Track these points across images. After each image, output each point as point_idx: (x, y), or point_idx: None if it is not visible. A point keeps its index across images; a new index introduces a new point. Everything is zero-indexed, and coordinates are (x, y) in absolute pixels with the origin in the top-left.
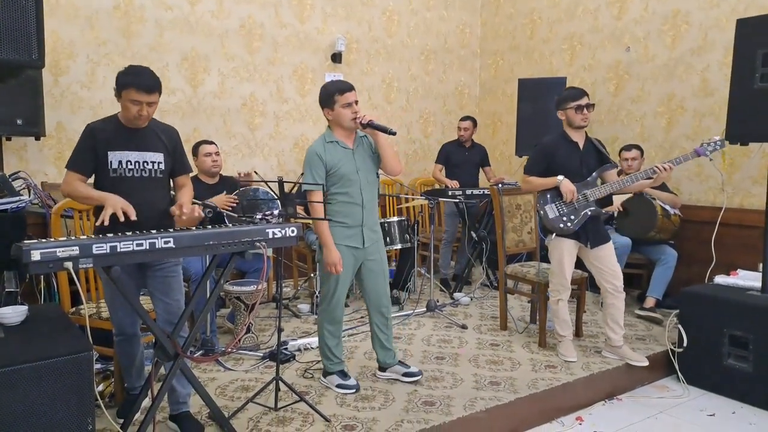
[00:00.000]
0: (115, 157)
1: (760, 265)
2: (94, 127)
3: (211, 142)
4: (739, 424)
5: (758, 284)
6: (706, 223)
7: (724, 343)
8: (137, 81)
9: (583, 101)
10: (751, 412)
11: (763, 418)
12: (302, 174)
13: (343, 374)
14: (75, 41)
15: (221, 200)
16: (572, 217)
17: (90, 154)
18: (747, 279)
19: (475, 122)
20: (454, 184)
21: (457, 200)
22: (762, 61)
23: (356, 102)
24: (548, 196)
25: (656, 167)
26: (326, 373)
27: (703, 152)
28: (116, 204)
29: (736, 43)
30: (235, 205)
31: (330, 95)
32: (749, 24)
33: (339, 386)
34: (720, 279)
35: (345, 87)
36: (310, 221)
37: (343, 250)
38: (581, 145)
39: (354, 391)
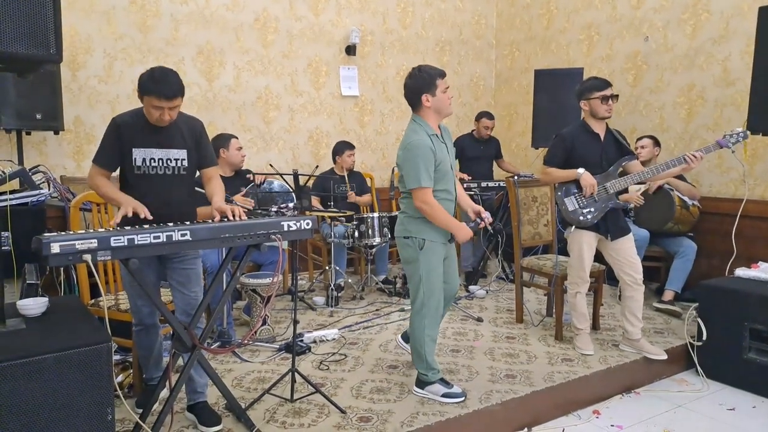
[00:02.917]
0: (139, 155)
1: None
2: (120, 122)
3: (236, 137)
4: (760, 419)
5: None
6: (727, 215)
7: (744, 336)
8: (159, 89)
9: (608, 92)
10: None
11: None
12: (310, 171)
13: (446, 382)
14: (92, 36)
15: (239, 199)
16: (592, 209)
17: (115, 149)
18: None
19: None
20: (466, 176)
21: (473, 193)
22: None
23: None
24: (568, 188)
25: (686, 156)
26: (424, 384)
27: (726, 144)
28: (128, 204)
29: (758, 32)
30: (251, 207)
31: (433, 79)
32: None
33: (446, 395)
34: (741, 272)
35: (443, 72)
36: (326, 215)
37: (440, 247)
38: (602, 137)
39: (463, 399)
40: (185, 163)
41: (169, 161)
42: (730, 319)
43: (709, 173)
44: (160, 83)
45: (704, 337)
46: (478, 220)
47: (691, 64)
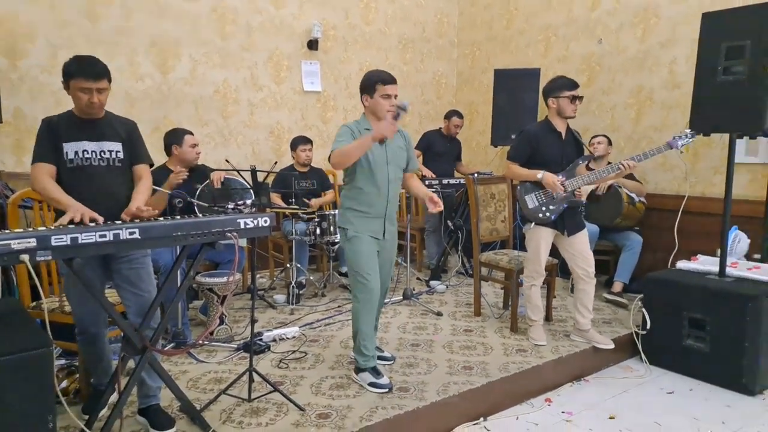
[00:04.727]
0: (70, 148)
1: (719, 251)
2: (49, 120)
3: (191, 132)
4: (696, 401)
5: (716, 269)
6: (670, 211)
7: (683, 324)
8: (83, 69)
9: (578, 92)
10: (707, 389)
11: (718, 394)
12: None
13: (376, 372)
14: (34, 23)
15: (172, 179)
16: (551, 206)
17: (50, 143)
18: (706, 264)
19: None
20: (428, 173)
21: (434, 190)
22: (725, 55)
23: (395, 96)
24: (529, 186)
25: (621, 164)
26: (358, 370)
27: (675, 144)
28: (77, 212)
29: (701, 37)
30: (184, 176)
31: (372, 83)
32: (714, 18)
33: (371, 384)
34: (682, 264)
35: (388, 78)
36: (287, 210)
37: (367, 239)
38: (563, 135)
39: (387, 390)
40: (120, 155)
41: (102, 153)
42: (671, 309)
43: (654, 171)
44: (85, 63)
45: (648, 326)
46: (403, 103)
47: (641, 66)
